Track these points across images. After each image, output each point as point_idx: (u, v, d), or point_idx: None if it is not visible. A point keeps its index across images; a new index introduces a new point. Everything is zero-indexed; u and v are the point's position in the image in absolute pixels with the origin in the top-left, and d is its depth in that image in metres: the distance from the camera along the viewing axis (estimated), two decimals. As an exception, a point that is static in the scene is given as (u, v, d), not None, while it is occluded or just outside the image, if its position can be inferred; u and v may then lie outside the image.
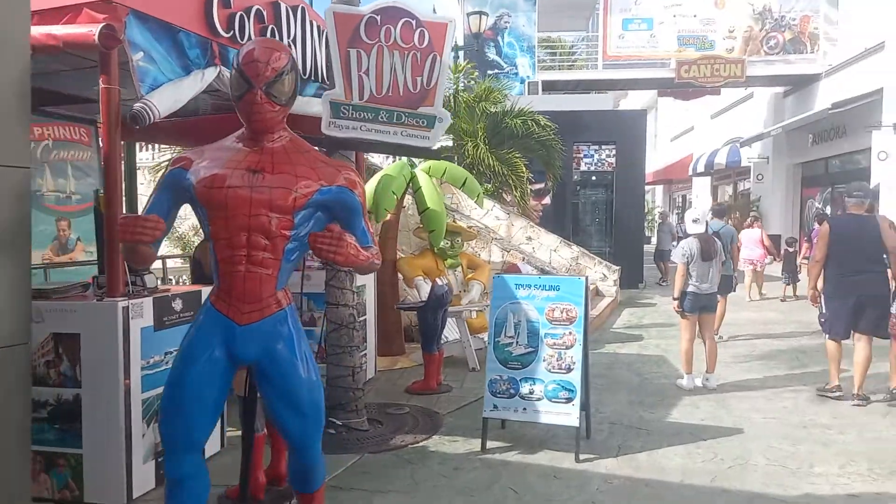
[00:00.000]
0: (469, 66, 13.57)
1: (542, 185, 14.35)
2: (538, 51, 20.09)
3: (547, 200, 14.43)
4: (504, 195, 12.95)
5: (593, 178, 14.74)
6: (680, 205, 34.59)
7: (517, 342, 4.61)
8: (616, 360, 7.49)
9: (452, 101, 12.64)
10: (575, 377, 4.46)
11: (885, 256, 5.54)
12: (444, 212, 7.34)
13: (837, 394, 5.77)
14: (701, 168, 25.72)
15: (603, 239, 14.65)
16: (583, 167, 14.46)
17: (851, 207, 5.82)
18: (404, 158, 7.56)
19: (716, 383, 6.27)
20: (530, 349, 4.57)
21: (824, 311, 5.81)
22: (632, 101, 47.97)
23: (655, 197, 39.00)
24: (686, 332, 6.31)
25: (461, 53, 14.35)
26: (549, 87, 18.87)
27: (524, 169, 11.81)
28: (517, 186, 11.77)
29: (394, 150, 4.53)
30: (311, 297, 5.62)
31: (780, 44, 19.31)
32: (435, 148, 4.60)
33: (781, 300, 11.85)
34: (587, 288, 4.67)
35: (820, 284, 5.91)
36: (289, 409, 2.55)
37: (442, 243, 7.10)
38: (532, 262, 8.48)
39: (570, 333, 4.51)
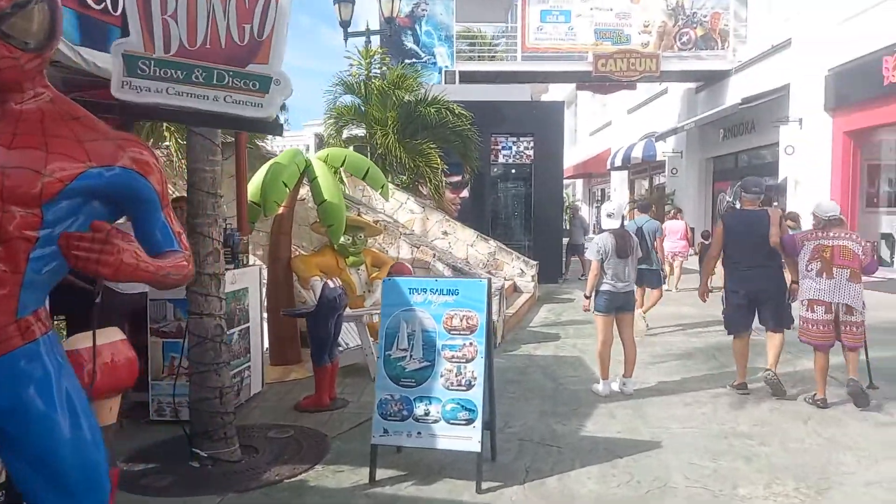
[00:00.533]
0: (381, 51, 12.81)
1: (459, 178, 13.79)
2: (459, 42, 19.51)
3: (465, 193, 13.87)
4: (421, 188, 12.30)
5: (512, 170, 14.29)
6: (599, 198, 34.93)
7: (411, 355, 3.95)
8: (531, 364, 6.97)
9: (364, 87, 11.87)
10: (476, 394, 3.84)
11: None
12: (342, 204, 6.60)
13: (744, 392, 5.62)
14: (618, 162, 25.88)
15: (522, 233, 14.23)
16: (501, 159, 13.99)
17: (746, 203, 5.70)
18: (302, 145, 6.77)
19: (633, 388, 5.83)
20: (426, 363, 3.92)
21: (725, 306, 5.73)
22: (553, 95, 48.25)
23: (576, 191, 39.32)
24: (601, 334, 5.83)
25: (375, 39, 13.54)
26: (469, 78, 18.30)
27: (439, 160, 11.19)
28: (431, 178, 11.13)
29: (217, 121, 3.49)
30: (176, 303, 4.78)
31: (692, 40, 19.44)
32: (272, 117, 3.47)
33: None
34: (490, 291, 4.06)
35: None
36: (46, 485, 1.78)
37: (342, 239, 6.38)
38: (444, 259, 7.85)
39: (471, 344, 3.89)
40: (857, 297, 5.06)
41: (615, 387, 5.84)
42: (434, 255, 7.78)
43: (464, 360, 3.87)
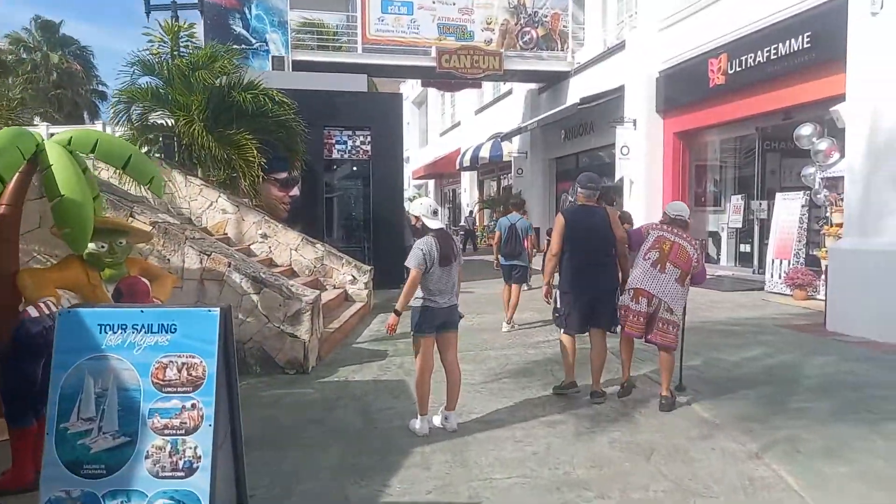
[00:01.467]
0: (187, 26, 10.98)
1: (286, 174, 12.28)
2: (296, 31, 17.90)
3: (296, 192, 12.38)
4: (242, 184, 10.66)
5: (349, 167, 12.98)
6: (451, 199, 34.53)
7: (100, 429, 2.56)
8: (343, 394, 5.74)
9: (166, 68, 10.04)
10: (200, 482, 2.53)
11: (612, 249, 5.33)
12: (88, 201, 4.97)
13: (574, 390, 5.42)
14: (467, 162, 25.39)
15: (361, 235, 12.98)
16: (336, 154, 12.65)
17: (581, 198, 5.40)
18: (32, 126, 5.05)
19: (457, 422, 4.78)
20: (123, 439, 2.56)
21: (558, 305, 5.45)
22: (404, 93, 47.43)
23: (429, 191, 38.75)
24: (421, 359, 4.72)
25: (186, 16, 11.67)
26: (307, 69, 16.76)
27: (255, 152, 9.65)
28: (247, 173, 9.58)
29: None
30: None
31: (534, 39, 19.22)
32: None
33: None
34: (227, 325, 2.76)
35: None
36: None
37: (92, 246, 4.77)
38: (244, 269, 6.40)
39: (193, 406, 2.58)
40: (680, 298, 5.02)
41: (436, 421, 4.76)
42: (230, 263, 6.30)
43: (182, 432, 2.56)
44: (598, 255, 5.23)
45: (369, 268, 10.04)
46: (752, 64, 11.85)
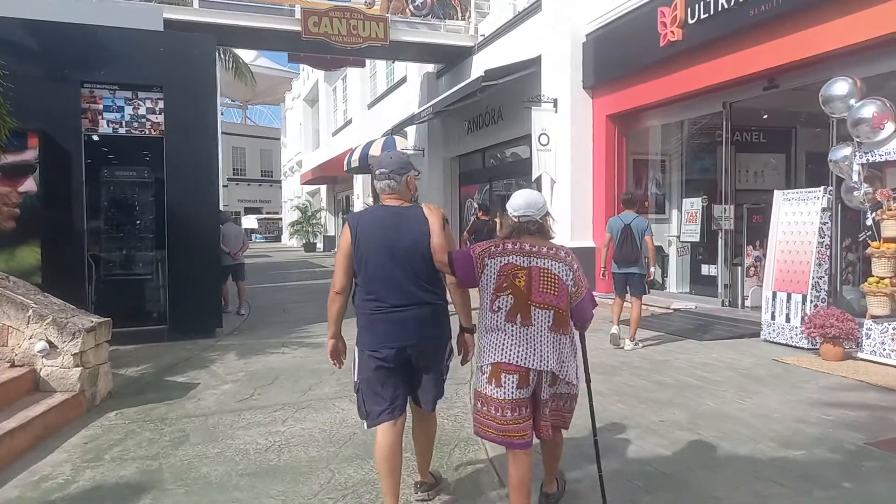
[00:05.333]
0: None
1: (22, 157, 7.43)
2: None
3: (31, 185, 7.50)
4: None
5: (134, 148, 8.18)
6: (345, 206, 29.88)
7: None
8: None
9: None
10: None
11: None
12: None
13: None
14: (355, 163, 20.77)
15: (148, 255, 8.19)
16: (104, 127, 7.90)
17: (384, 196, 3.07)
18: None
19: None
20: None
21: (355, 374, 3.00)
22: (295, 89, 42.36)
23: (321, 198, 33.95)
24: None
25: None
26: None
27: None
28: None
29: None
30: None
31: (427, 4, 15.10)
32: None
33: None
34: None
35: None
36: None
37: None
38: None
39: None
40: (567, 358, 2.74)
41: None
42: None
43: None
44: (409, 289, 2.89)
45: (90, 324, 5.27)
46: (724, 6, 8.10)
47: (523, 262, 2.74)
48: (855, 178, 5.92)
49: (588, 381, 3.03)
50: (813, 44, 7.16)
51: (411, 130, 18.74)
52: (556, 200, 11.59)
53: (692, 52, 8.80)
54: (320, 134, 32.80)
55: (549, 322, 2.68)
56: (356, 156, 20.65)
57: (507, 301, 2.71)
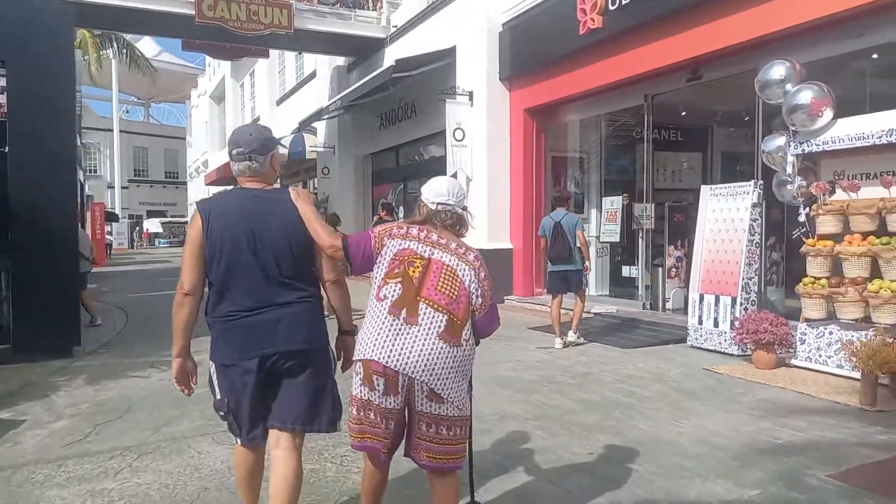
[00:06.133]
0: None
1: None
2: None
3: None
4: None
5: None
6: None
7: None
8: None
9: None
10: None
11: None
12: None
13: None
14: (261, 161, 19.46)
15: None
16: (-74, 107, 6.47)
17: (243, 178, 2.52)
18: None
19: None
20: None
21: (216, 392, 2.51)
22: (201, 86, 39.95)
23: (228, 200, 31.97)
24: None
25: None
26: None
27: None
28: None
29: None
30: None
31: (336, -10, 14.13)
32: None
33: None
34: None
35: None
36: None
37: None
38: None
39: None
40: (455, 372, 2.27)
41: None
42: None
43: None
44: (270, 288, 2.41)
45: None
46: (647, -8, 7.61)
47: (425, 251, 2.36)
48: (789, 170, 5.45)
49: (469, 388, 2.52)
50: (737, 31, 6.74)
51: (321, 127, 17.64)
52: (473, 199, 10.85)
53: (613, 41, 8.27)
54: (227, 133, 30.91)
55: (439, 327, 2.25)
56: (263, 154, 19.32)
57: (394, 290, 2.30)
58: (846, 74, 6.50)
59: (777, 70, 5.38)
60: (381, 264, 2.37)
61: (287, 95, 21.78)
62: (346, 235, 2.49)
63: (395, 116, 14.45)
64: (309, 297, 2.47)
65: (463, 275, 2.32)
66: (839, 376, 5.07)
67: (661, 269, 8.84)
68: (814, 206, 5.37)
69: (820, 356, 5.30)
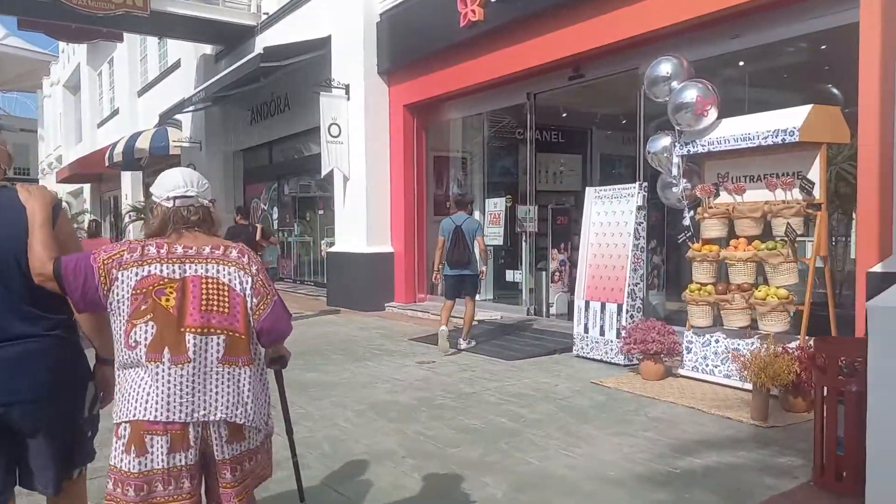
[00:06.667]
0: None
1: None
2: None
3: None
4: None
5: None
6: (112, 208, 25.68)
7: None
8: None
9: None
10: None
11: None
12: None
13: None
14: (118, 157, 17.54)
15: None
16: None
17: None
18: None
19: None
20: None
21: None
22: (54, 74, 36.19)
23: (84, 199, 29.09)
24: None
25: None
26: None
27: None
28: None
29: None
30: None
31: (199, -29, 12.83)
32: None
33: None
34: None
35: None
36: None
37: None
38: None
39: None
40: (254, 396, 1.92)
41: None
42: None
43: None
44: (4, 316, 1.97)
45: None
46: (529, -15, 7.24)
47: (173, 271, 1.89)
48: (674, 171, 5.19)
49: (290, 430, 2.33)
50: (618, 28, 6.49)
51: (186, 120, 16.13)
52: (350, 200, 10.15)
53: (495, 35, 7.85)
54: (83, 125, 28.03)
55: (218, 352, 1.88)
56: (119, 148, 17.46)
57: (146, 331, 1.84)
58: (725, 76, 6.43)
59: (664, 66, 5.11)
60: (121, 303, 1.84)
61: (150, 86, 19.87)
62: (61, 259, 1.86)
63: (267, 110, 13.39)
64: (53, 326, 1.99)
65: (230, 280, 1.91)
66: (727, 387, 4.86)
67: (544, 273, 8.55)
68: (699, 210, 5.15)
69: (707, 366, 5.08)
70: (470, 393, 5.06)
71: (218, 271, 1.91)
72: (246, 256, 1.97)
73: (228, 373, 1.86)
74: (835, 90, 6.02)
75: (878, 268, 4.18)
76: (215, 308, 1.87)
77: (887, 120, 4.27)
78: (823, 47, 6.08)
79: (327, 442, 3.99)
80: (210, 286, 1.89)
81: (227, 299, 1.90)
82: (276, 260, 8.90)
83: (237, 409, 1.86)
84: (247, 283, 1.92)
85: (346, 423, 4.37)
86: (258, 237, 8.47)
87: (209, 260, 1.91)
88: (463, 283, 6.65)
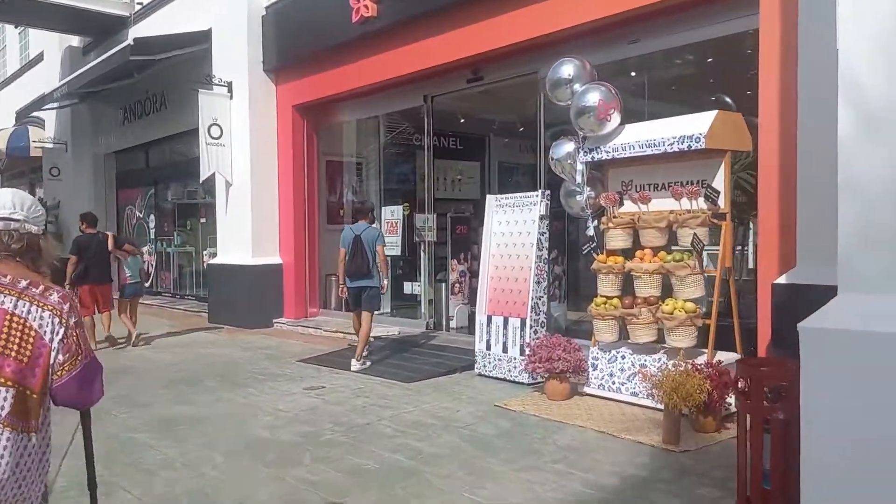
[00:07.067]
0: None
1: None
2: None
3: None
4: None
5: None
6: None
7: None
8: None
9: None
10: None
11: None
12: None
13: None
14: (-34, 158, 15.53)
15: None
16: None
17: None
18: None
19: None
20: None
21: None
22: None
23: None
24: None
25: None
26: None
27: None
28: None
29: None
30: None
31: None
32: None
33: None
34: None
35: None
36: None
37: None
38: None
39: None
40: (19, 480, 1.49)
41: None
42: None
43: None
44: None
45: None
46: (424, -19, 6.81)
47: None
48: (579, 179, 4.90)
49: (93, 484, 1.92)
50: (517, 30, 6.18)
51: (50, 118, 14.48)
52: (233, 207, 9.28)
53: (390, 33, 7.35)
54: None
55: (1, 408, 1.49)
56: (-31, 149, 15.38)
57: None
58: (625, 82, 6.27)
59: (566, 68, 4.81)
60: None
61: (8, 81, 17.80)
62: None
63: (142, 109, 12.17)
64: None
65: (42, 326, 1.59)
66: (634, 405, 4.59)
67: (444, 284, 8.13)
68: (603, 219, 4.88)
69: (613, 383, 4.81)
70: (363, 425, 4.50)
71: (29, 312, 1.59)
72: (67, 304, 1.66)
73: (6, 438, 1.50)
74: (727, 99, 5.99)
75: (783, 279, 4.04)
76: (13, 354, 1.53)
77: (788, 128, 4.16)
78: (722, 54, 6.04)
79: (187, 498, 3.30)
80: (15, 326, 1.56)
81: (29, 347, 1.57)
82: (137, 273, 7.89)
83: (20, 492, 1.51)
84: (59, 333, 1.60)
85: (214, 470, 3.69)
86: (110, 247, 7.51)
87: (22, 295, 1.59)
88: (360, 295, 6.25)
